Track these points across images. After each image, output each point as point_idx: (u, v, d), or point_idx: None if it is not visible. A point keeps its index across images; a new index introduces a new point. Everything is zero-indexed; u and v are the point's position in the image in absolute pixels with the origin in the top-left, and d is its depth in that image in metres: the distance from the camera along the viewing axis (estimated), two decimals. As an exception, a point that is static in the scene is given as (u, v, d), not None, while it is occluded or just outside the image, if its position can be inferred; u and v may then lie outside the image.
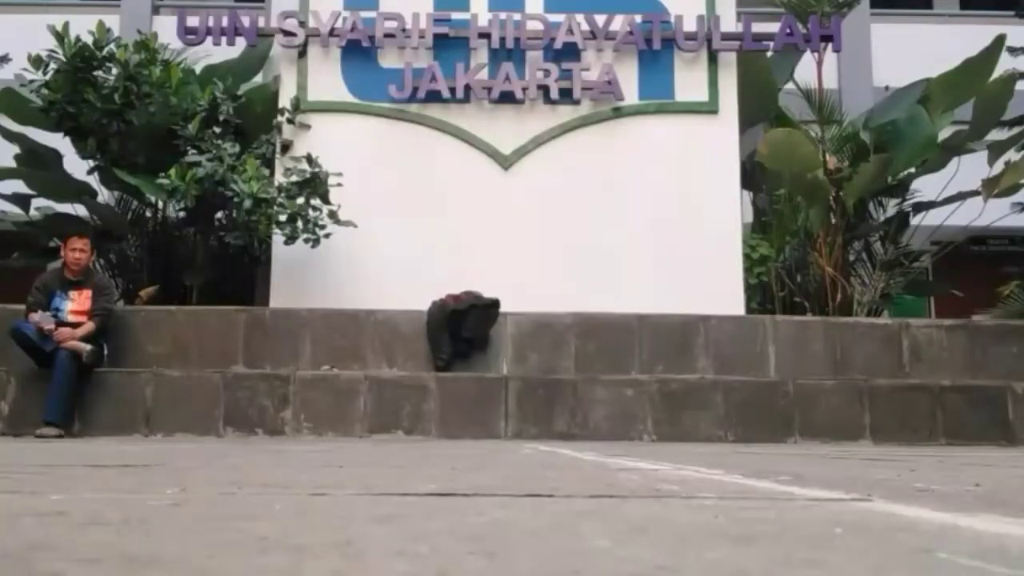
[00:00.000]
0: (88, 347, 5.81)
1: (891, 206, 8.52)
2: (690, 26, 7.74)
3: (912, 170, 8.16)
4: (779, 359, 6.43)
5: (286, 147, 7.46)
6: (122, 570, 0.48)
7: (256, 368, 6.23)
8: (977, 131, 8.22)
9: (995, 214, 8.60)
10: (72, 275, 6.13)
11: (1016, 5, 10.79)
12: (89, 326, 5.94)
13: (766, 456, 2.69)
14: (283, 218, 6.80)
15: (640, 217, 7.43)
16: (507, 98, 7.62)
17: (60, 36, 6.99)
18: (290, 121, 7.49)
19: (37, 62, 7.07)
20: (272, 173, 7.27)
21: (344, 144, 7.45)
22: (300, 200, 6.82)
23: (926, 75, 8.40)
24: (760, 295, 7.90)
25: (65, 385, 5.71)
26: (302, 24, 7.68)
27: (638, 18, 7.75)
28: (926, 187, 8.44)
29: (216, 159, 6.79)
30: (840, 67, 11.16)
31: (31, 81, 7.13)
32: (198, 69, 7.89)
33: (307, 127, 7.55)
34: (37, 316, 5.84)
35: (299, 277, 7.22)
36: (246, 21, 7.79)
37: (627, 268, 7.28)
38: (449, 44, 7.68)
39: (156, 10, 12.14)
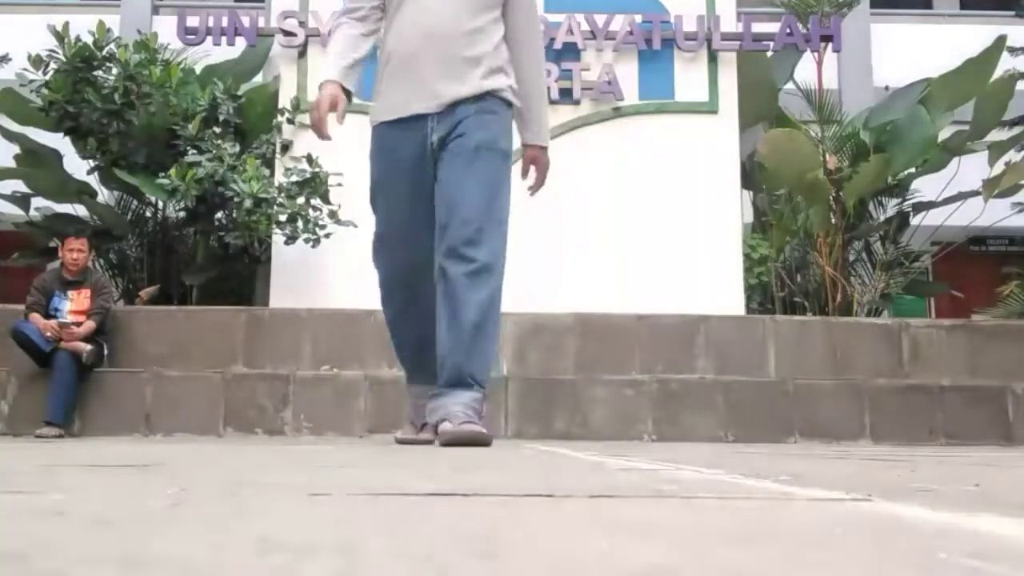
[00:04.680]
0: (88, 347, 5.81)
1: (891, 206, 8.52)
2: (690, 26, 7.75)
3: (912, 170, 8.16)
4: (779, 359, 6.43)
5: (286, 147, 7.47)
6: (122, 570, 0.48)
7: (256, 368, 6.23)
8: (977, 131, 8.23)
9: (995, 214, 8.61)
10: (70, 275, 6.14)
11: (1016, 5, 10.79)
12: (89, 325, 5.94)
13: (766, 456, 2.70)
14: (283, 218, 6.80)
15: (640, 217, 7.44)
16: (507, 98, 7.62)
17: (60, 36, 6.99)
18: (290, 121, 7.49)
19: (37, 62, 7.08)
20: (272, 173, 7.27)
21: (344, 144, 7.43)
22: (300, 200, 6.82)
23: (926, 75, 8.40)
24: (760, 295, 7.91)
25: (65, 385, 5.71)
26: (302, 24, 7.68)
27: (638, 18, 7.76)
28: (926, 187, 8.44)
29: (216, 159, 6.79)
30: (840, 67, 11.16)
31: (31, 81, 7.14)
32: (198, 69, 7.90)
33: (307, 127, 7.55)
34: (42, 323, 5.87)
35: (299, 277, 7.22)
36: (246, 21, 7.79)
37: (627, 268, 7.29)
38: (449, 44, 7.67)
39: (156, 10, 12.14)
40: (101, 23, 7.26)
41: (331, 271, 7.19)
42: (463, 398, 3.04)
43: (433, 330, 3.16)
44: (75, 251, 6.17)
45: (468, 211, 3.10)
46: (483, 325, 3.09)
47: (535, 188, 3.55)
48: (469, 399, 3.04)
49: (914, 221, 8.58)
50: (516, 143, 3.47)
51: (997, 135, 8.46)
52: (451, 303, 3.10)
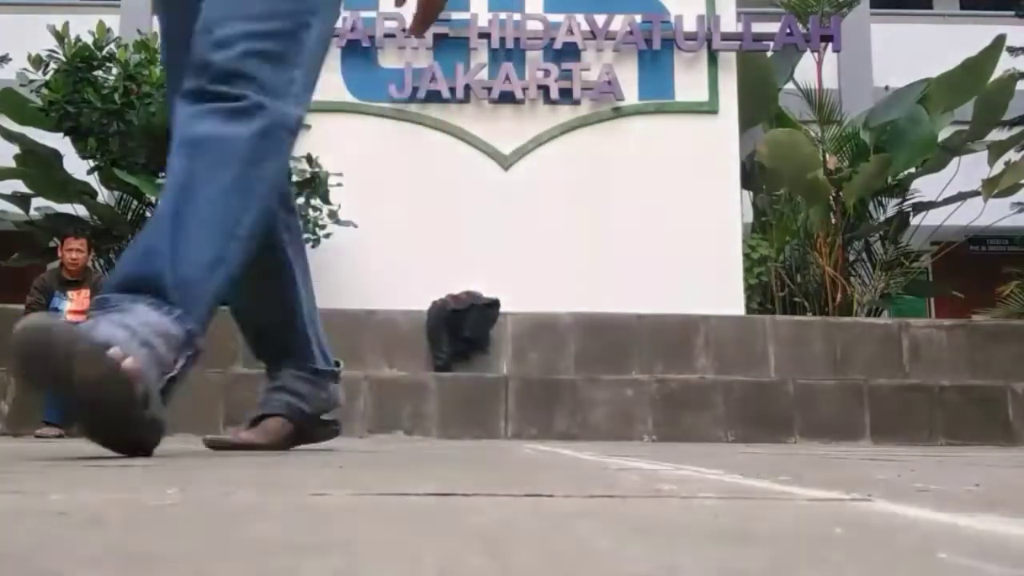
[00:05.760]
0: (88, 347, 5.81)
1: (891, 206, 8.54)
2: (690, 26, 7.76)
3: (912, 170, 8.18)
4: (779, 359, 6.44)
5: (286, 147, 7.47)
6: (122, 570, 0.48)
7: (256, 368, 6.21)
8: (977, 131, 8.24)
9: (995, 214, 8.61)
10: (70, 275, 6.14)
11: (1016, 5, 10.79)
12: (89, 326, 5.95)
13: (766, 456, 2.70)
14: (283, 218, 6.81)
15: (640, 217, 7.44)
16: (507, 98, 7.62)
17: (60, 36, 7.00)
18: (290, 121, 7.49)
19: (37, 62, 7.08)
20: (272, 173, 7.27)
21: (344, 144, 7.45)
22: (300, 200, 6.83)
23: (926, 75, 8.41)
24: (760, 295, 7.92)
25: (65, 385, 5.71)
26: (302, 24, 7.68)
27: (638, 18, 7.77)
28: (926, 187, 8.45)
29: (216, 159, 6.80)
30: (840, 67, 11.15)
31: (31, 81, 7.14)
32: (198, 69, 7.90)
33: (307, 127, 7.55)
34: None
35: (299, 277, 7.23)
36: (246, 21, 7.79)
37: (627, 268, 7.29)
38: (449, 44, 7.68)
39: (156, 10, 12.13)
40: (101, 23, 7.27)
41: (330, 271, 7.19)
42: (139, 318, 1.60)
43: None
44: (75, 251, 6.17)
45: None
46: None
47: (418, 23, 2.06)
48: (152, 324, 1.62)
49: (914, 221, 8.59)
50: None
51: (997, 135, 8.47)
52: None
